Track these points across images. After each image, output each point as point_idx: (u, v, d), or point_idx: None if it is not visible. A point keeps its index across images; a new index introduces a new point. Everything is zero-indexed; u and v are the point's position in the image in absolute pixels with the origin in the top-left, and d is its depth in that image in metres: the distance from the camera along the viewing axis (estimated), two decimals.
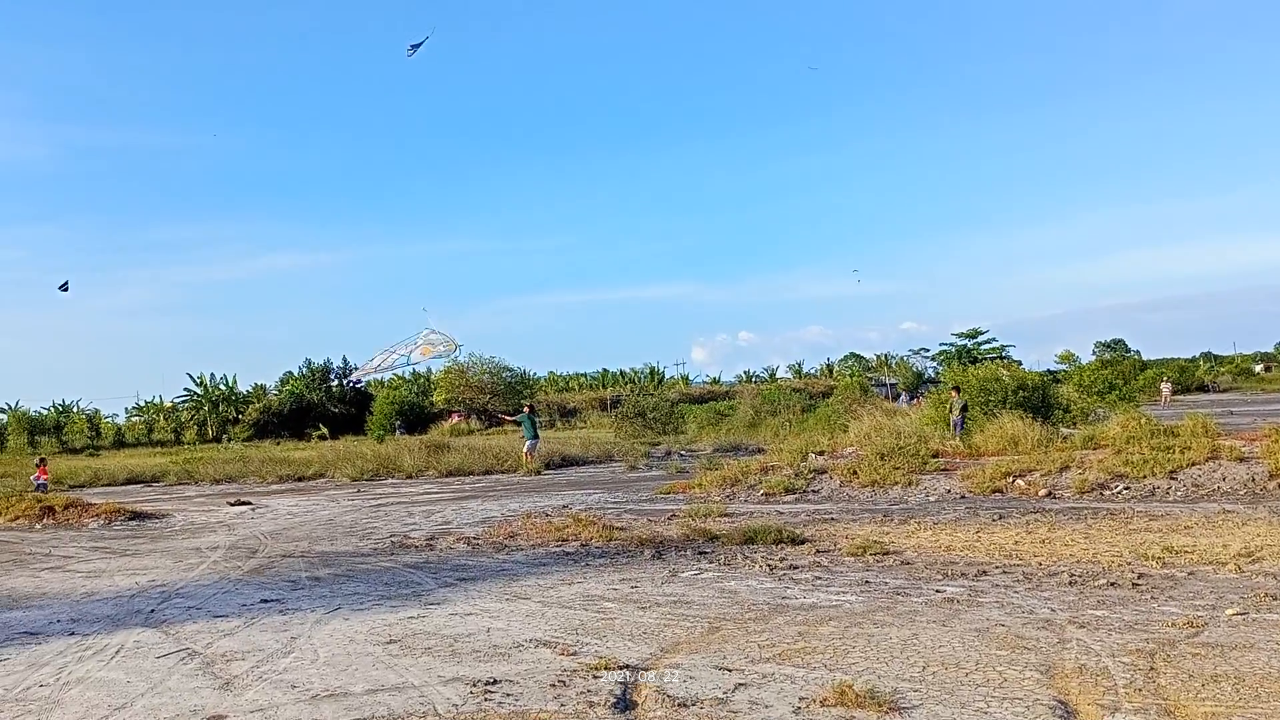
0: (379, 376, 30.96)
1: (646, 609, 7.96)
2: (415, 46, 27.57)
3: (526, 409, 29.25)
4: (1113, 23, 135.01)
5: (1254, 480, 14.26)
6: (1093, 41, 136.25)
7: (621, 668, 6.07)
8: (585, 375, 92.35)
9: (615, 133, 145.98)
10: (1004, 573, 8.93)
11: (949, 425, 23.13)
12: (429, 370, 74.22)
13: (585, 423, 60.47)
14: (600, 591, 8.82)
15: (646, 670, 6.01)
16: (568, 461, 28.61)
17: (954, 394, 24.35)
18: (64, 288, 34.63)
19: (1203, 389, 73.53)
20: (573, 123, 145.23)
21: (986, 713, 4.96)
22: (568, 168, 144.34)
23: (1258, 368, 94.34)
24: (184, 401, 72.06)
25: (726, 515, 14.10)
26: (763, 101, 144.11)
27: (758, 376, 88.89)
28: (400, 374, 31.34)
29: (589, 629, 7.29)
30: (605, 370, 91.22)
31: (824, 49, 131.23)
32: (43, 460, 27.41)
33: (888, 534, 11.60)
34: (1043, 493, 15.02)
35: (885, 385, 68.50)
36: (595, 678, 5.88)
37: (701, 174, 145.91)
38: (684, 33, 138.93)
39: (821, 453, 19.83)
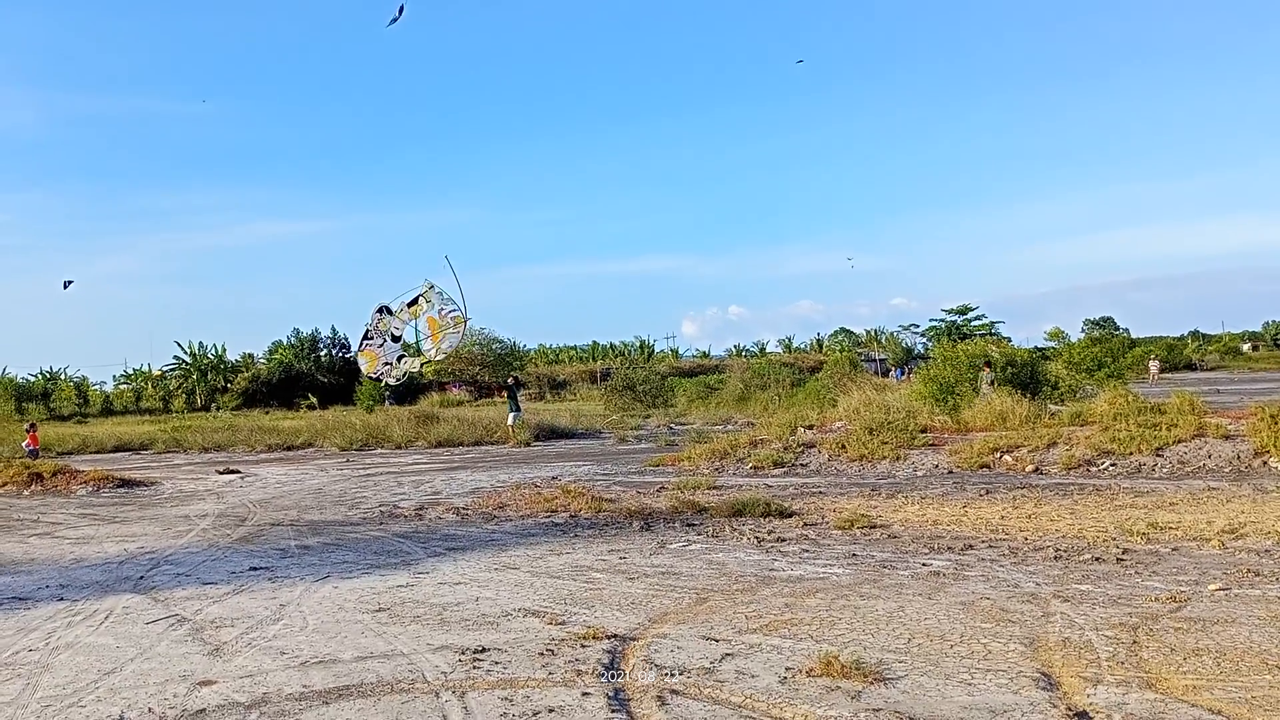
0: (386, 375, 28.75)
1: (634, 580, 8.00)
2: (395, 18, 27.43)
3: (511, 380, 29.07)
4: (1106, 3, 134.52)
5: (1239, 458, 14.35)
6: (1086, 21, 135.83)
7: (609, 637, 6.11)
8: (575, 348, 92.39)
9: (608, 105, 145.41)
10: (990, 547, 9.00)
11: (978, 397, 23.28)
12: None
13: (575, 395, 60.49)
14: (589, 562, 8.86)
15: (634, 640, 6.05)
16: (557, 433, 28.63)
17: (985, 369, 24.55)
18: (67, 285, 34.58)
19: (1190, 367, 73.86)
20: (567, 94, 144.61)
21: (970, 684, 5.01)
22: (562, 139, 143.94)
23: (1245, 346, 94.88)
24: (172, 370, 71.94)
25: (715, 488, 14.15)
26: (758, 77, 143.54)
27: (748, 350, 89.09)
28: (414, 372, 29.14)
29: (577, 599, 7.33)
30: (595, 343, 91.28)
31: (819, 26, 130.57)
32: (33, 426, 27.29)
33: (875, 508, 11.66)
34: (1030, 468, 15.09)
35: (875, 360, 68.70)
36: (583, 647, 5.92)
37: (695, 148, 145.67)
38: (680, 5, 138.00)
39: (810, 427, 19.88)
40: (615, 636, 6.13)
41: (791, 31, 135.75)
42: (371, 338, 29.58)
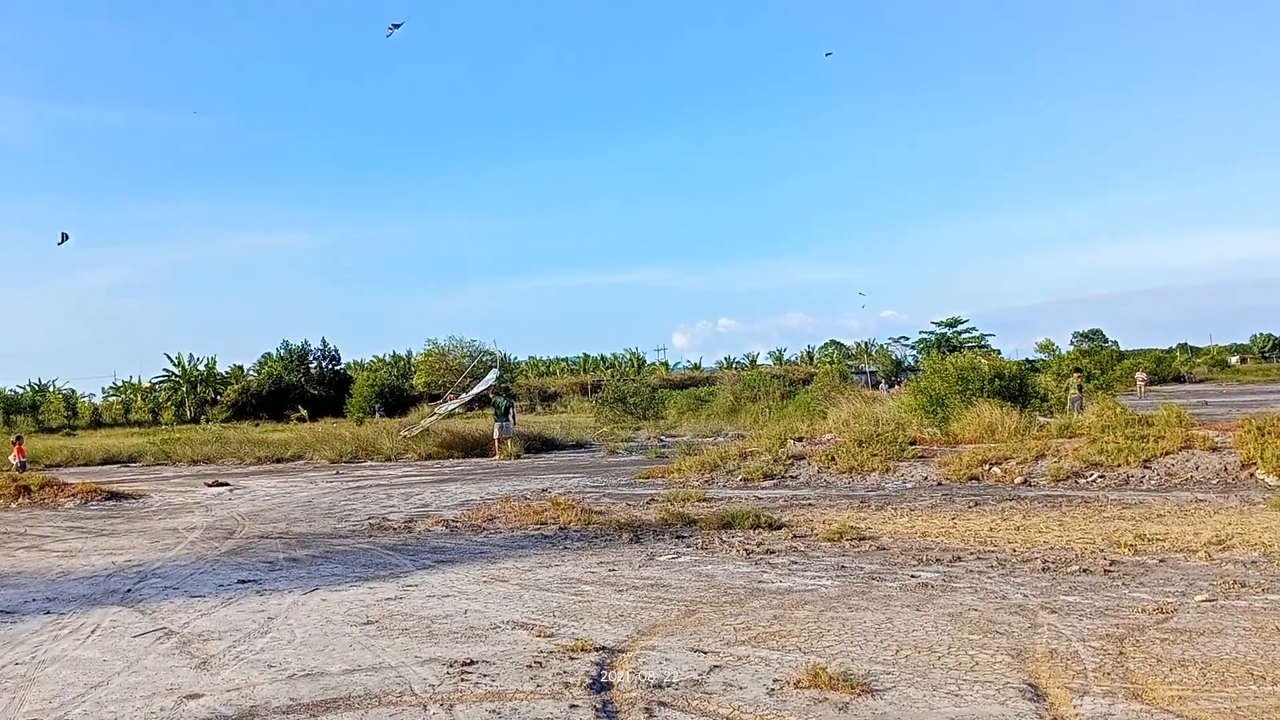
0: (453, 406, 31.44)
1: (623, 592, 7.99)
2: (395, 26, 27.91)
3: (504, 389, 28.99)
4: (1097, 21, 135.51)
5: (1226, 470, 14.41)
6: (1077, 35, 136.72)
7: (598, 649, 6.11)
8: (566, 360, 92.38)
9: (598, 116, 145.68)
10: (978, 559, 9.02)
11: (1068, 404, 23.87)
12: (409, 353, 74.24)
13: (566, 407, 60.45)
14: (578, 574, 8.85)
15: (622, 652, 6.05)
16: (547, 446, 28.61)
17: (1075, 375, 25.42)
18: (63, 239, 34.43)
19: (1179, 379, 74.14)
20: (556, 105, 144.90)
21: (958, 695, 5.02)
22: (551, 150, 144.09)
23: (1233, 359, 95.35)
24: (162, 382, 71.72)
25: (705, 500, 14.16)
26: (748, 88, 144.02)
27: (738, 363, 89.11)
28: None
29: (566, 611, 7.32)
30: (586, 355, 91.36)
31: (805, 38, 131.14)
32: (19, 439, 27.17)
33: (864, 520, 11.67)
34: (1018, 480, 15.13)
35: (865, 373, 68.75)
36: (571, 659, 5.91)
37: (685, 160, 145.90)
38: (669, 16, 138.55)
39: (800, 439, 19.91)
40: (603, 649, 6.13)
41: (778, 45, 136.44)
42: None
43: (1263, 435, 14.72)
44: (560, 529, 11.84)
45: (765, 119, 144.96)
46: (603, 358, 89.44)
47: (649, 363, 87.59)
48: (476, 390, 30.68)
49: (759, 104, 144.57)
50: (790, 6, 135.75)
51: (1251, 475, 14.09)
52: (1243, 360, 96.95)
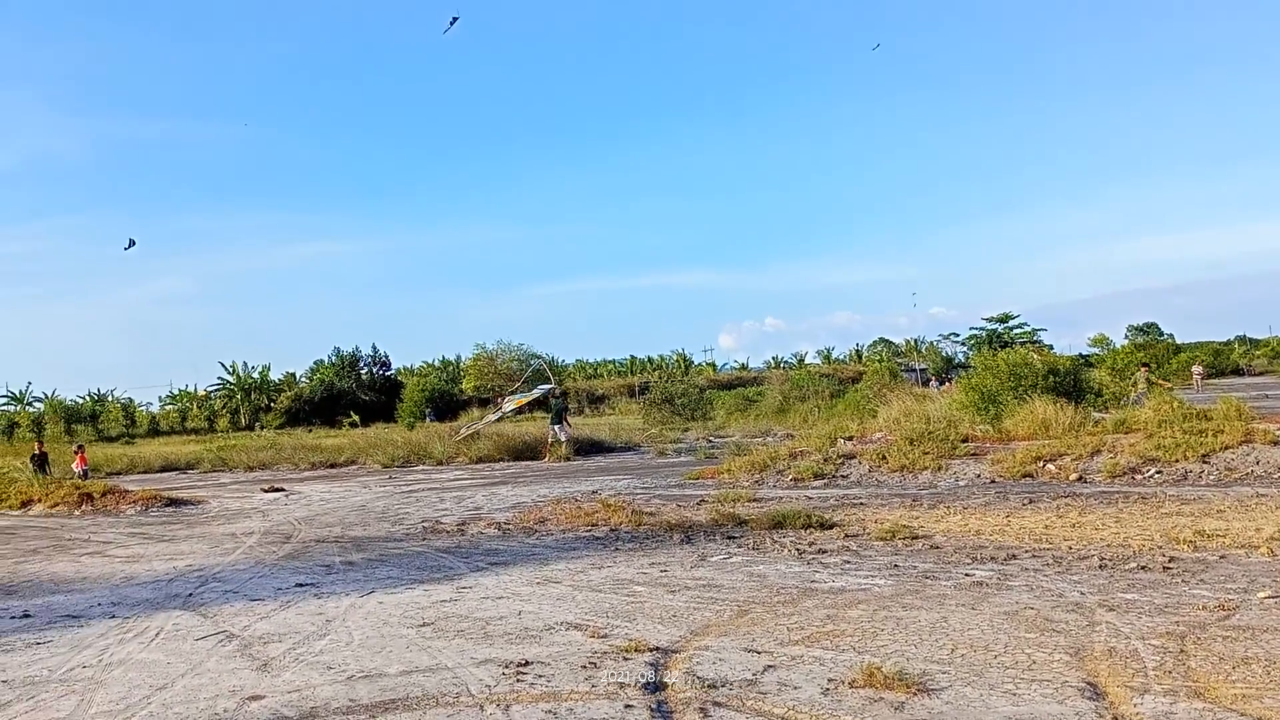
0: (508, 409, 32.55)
1: (676, 592, 8.01)
2: (452, 21, 28.68)
3: (559, 394, 29.43)
4: (1142, 8, 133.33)
5: None
6: (1122, 24, 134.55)
7: (651, 650, 6.13)
8: (613, 362, 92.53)
9: (642, 117, 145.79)
10: (1034, 556, 8.92)
11: (1132, 399, 23.98)
12: (458, 358, 74.82)
13: (614, 409, 60.61)
14: (630, 575, 8.89)
15: (676, 652, 6.07)
16: (596, 448, 28.69)
17: (1142, 370, 25.76)
18: (130, 245, 35.61)
19: (1237, 372, 72.65)
20: (599, 108, 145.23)
21: (1015, 694, 4.98)
22: (595, 153, 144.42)
23: None
24: (217, 390, 72.88)
25: (755, 500, 14.13)
26: (790, 86, 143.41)
27: (786, 362, 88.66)
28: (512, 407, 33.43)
29: (619, 612, 7.36)
30: (633, 357, 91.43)
31: (847, 32, 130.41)
32: (80, 448, 27.73)
33: (917, 518, 11.59)
34: (1074, 477, 14.93)
35: (915, 370, 68.07)
36: (625, 660, 5.95)
37: (726, 158, 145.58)
38: (711, 16, 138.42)
39: (850, 438, 19.78)
40: (657, 649, 6.16)
41: (819, 39, 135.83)
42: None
43: None
44: (611, 530, 11.89)
45: (811, 116, 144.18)
46: (650, 359, 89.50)
47: (696, 363, 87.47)
48: (532, 396, 31.23)
49: (805, 102, 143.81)
50: (837, 6, 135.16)
51: None
52: None
